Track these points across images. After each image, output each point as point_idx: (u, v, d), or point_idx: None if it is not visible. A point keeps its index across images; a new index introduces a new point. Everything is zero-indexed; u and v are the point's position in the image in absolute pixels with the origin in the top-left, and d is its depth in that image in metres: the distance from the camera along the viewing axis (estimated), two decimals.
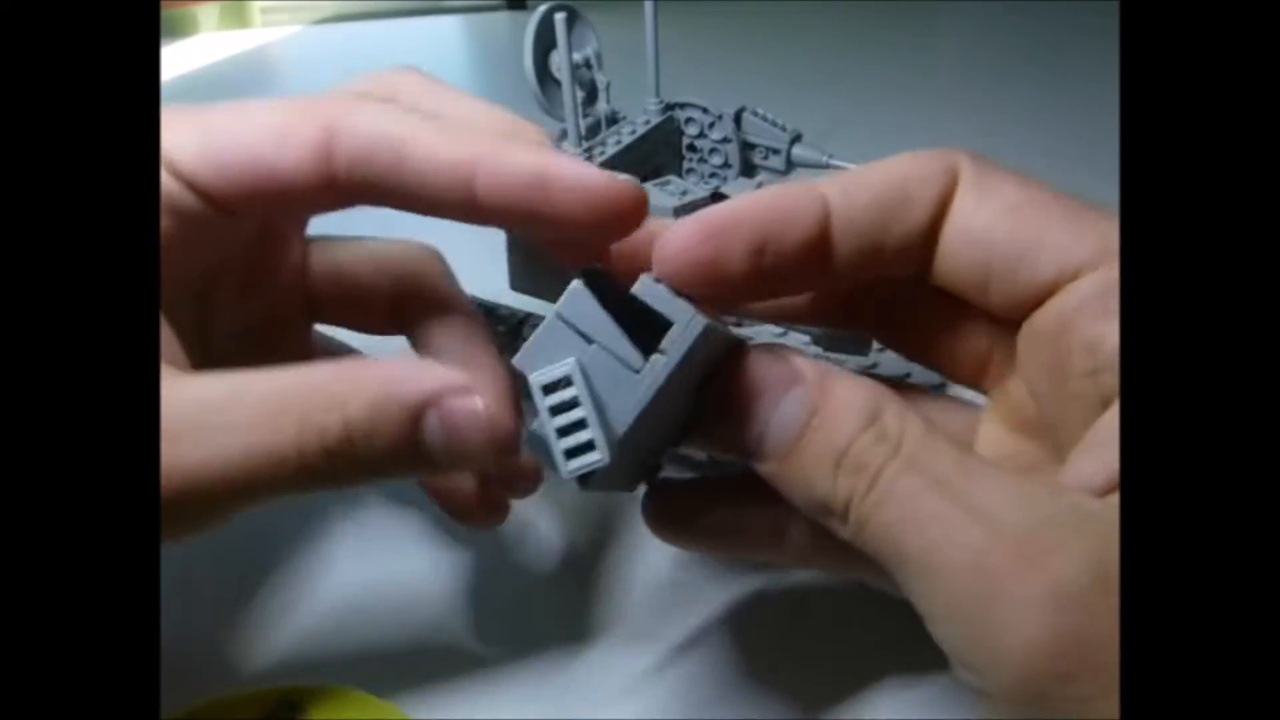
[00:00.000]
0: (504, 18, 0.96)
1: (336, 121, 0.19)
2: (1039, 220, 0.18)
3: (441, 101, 0.22)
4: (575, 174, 0.18)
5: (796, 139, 0.39)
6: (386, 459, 0.18)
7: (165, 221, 0.19)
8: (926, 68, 0.76)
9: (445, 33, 0.91)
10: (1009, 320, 0.19)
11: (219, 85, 0.77)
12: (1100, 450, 0.16)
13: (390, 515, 0.31)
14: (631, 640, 0.27)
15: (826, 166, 0.38)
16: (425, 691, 0.25)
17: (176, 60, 0.82)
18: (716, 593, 0.28)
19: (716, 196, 0.34)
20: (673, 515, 0.21)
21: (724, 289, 0.18)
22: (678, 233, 0.18)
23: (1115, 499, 0.15)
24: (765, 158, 0.39)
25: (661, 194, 0.32)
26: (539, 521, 0.30)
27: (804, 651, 0.26)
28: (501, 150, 0.19)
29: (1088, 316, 0.17)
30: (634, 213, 0.19)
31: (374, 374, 0.18)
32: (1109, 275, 0.17)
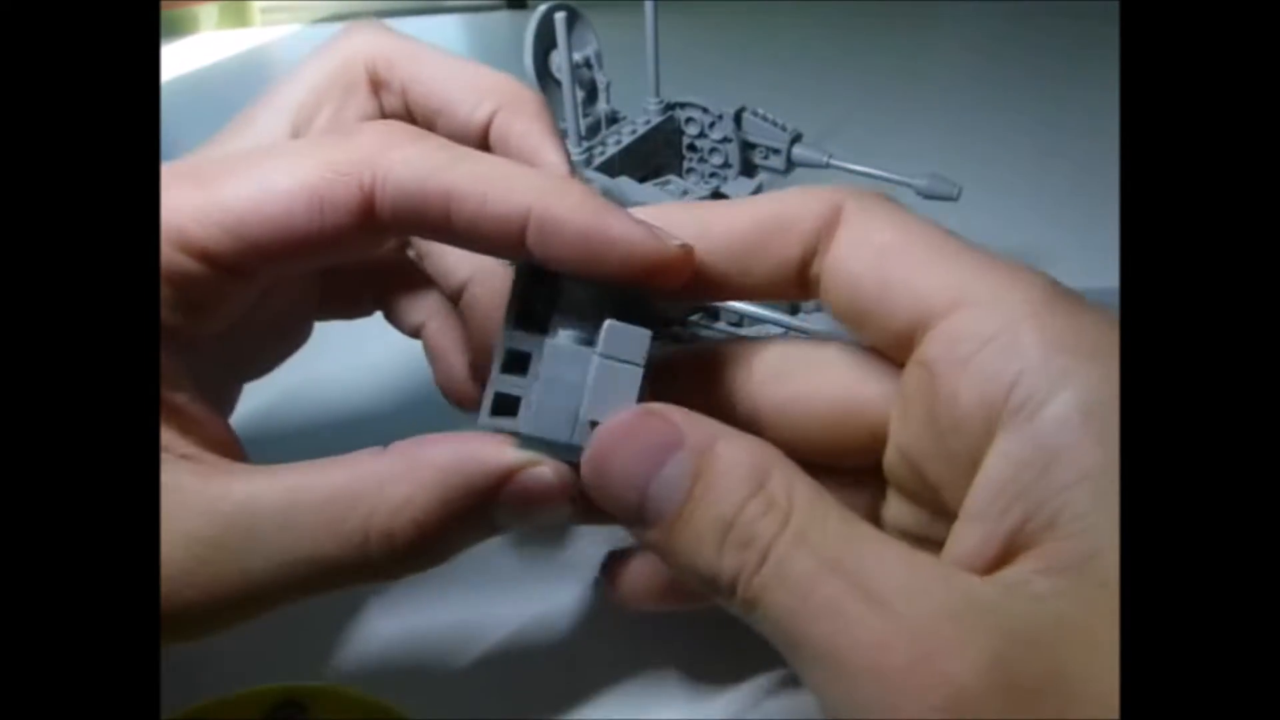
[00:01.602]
0: (504, 17, 0.96)
1: (375, 176, 0.18)
2: (902, 265, 0.18)
3: (442, 73, 0.24)
4: (623, 235, 0.18)
5: (796, 139, 0.39)
6: (458, 545, 0.19)
7: (178, 293, 0.18)
8: (926, 68, 0.76)
9: (445, 32, 0.91)
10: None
11: (219, 85, 0.77)
12: (979, 523, 0.16)
13: None
14: (635, 640, 0.27)
15: (827, 166, 0.38)
16: (427, 691, 0.25)
17: (176, 60, 0.82)
18: None
19: (717, 196, 0.34)
20: (632, 580, 0.22)
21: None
22: None
23: (1005, 578, 0.15)
24: (765, 157, 0.39)
25: (661, 194, 0.32)
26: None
27: None
28: (551, 203, 0.18)
29: (944, 367, 0.17)
30: (681, 271, 0.19)
31: (436, 462, 0.18)
32: (960, 321, 0.17)
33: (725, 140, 0.39)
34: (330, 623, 0.27)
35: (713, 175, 0.39)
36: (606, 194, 0.30)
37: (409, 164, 0.18)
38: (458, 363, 0.26)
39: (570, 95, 0.34)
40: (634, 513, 0.17)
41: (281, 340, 0.28)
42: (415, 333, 0.28)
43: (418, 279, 0.27)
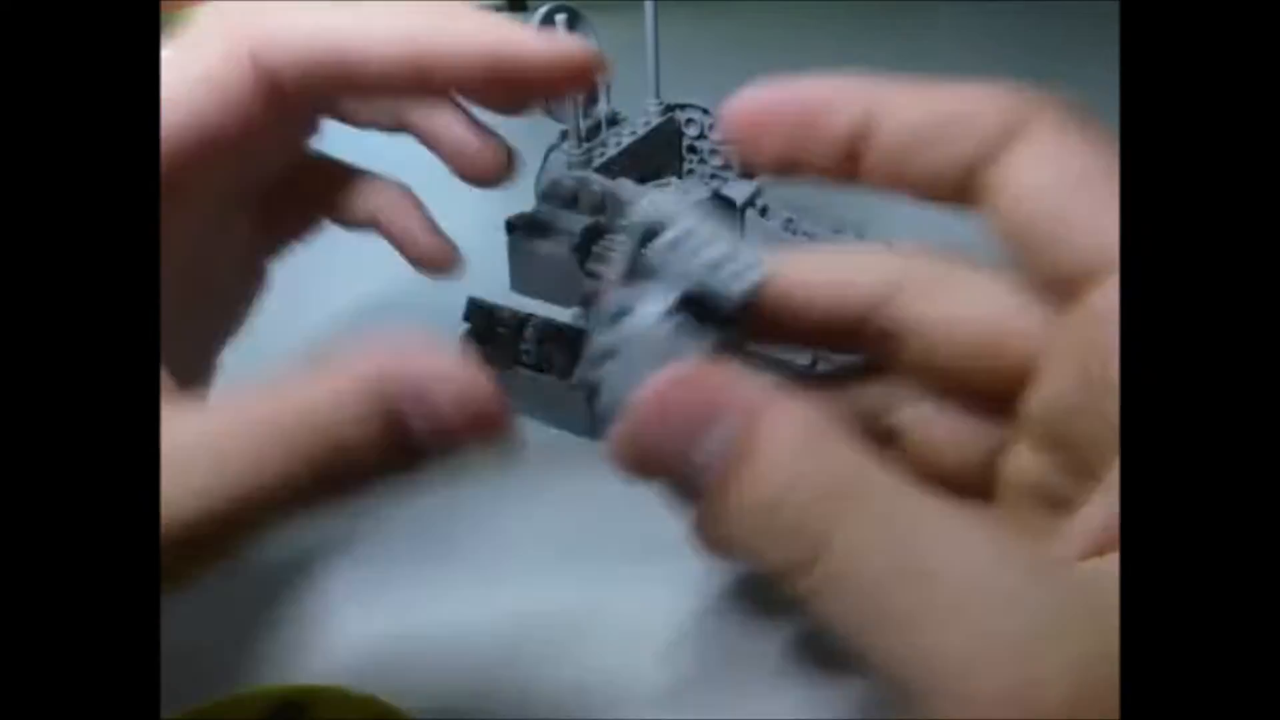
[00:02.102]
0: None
1: (259, 49, 0.19)
2: (1091, 198, 0.16)
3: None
4: (528, 51, 0.18)
5: None
6: (375, 468, 0.17)
7: (240, 116, 0.19)
8: (928, 68, 0.76)
9: None
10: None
11: None
12: (1111, 493, 0.14)
13: (393, 516, 0.31)
14: (633, 639, 0.27)
15: None
16: (428, 691, 0.25)
17: None
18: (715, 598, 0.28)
19: (717, 197, 0.34)
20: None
21: (764, 160, 0.18)
22: (742, 101, 0.18)
23: (1105, 566, 0.13)
24: None
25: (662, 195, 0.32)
26: (540, 521, 0.30)
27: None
28: (444, 34, 0.18)
29: (1115, 323, 0.15)
30: (592, 73, 0.19)
31: (354, 377, 0.17)
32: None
33: (725, 142, 0.39)
34: (329, 622, 0.27)
35: (713, 177, 0.40)
36: (606, 195, 0.30)
37: (288, 27, 0.18)
38: (422, 233, 0.26)
39: (571, 96, 0.34)
40: (674, 490, 0.15)
41: (241, 289, 0.27)
42: (370, 222, 0.27)
43: (352, 173, 0.27)
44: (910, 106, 0.18)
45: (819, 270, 0.20)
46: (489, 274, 0.31)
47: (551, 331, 0.32)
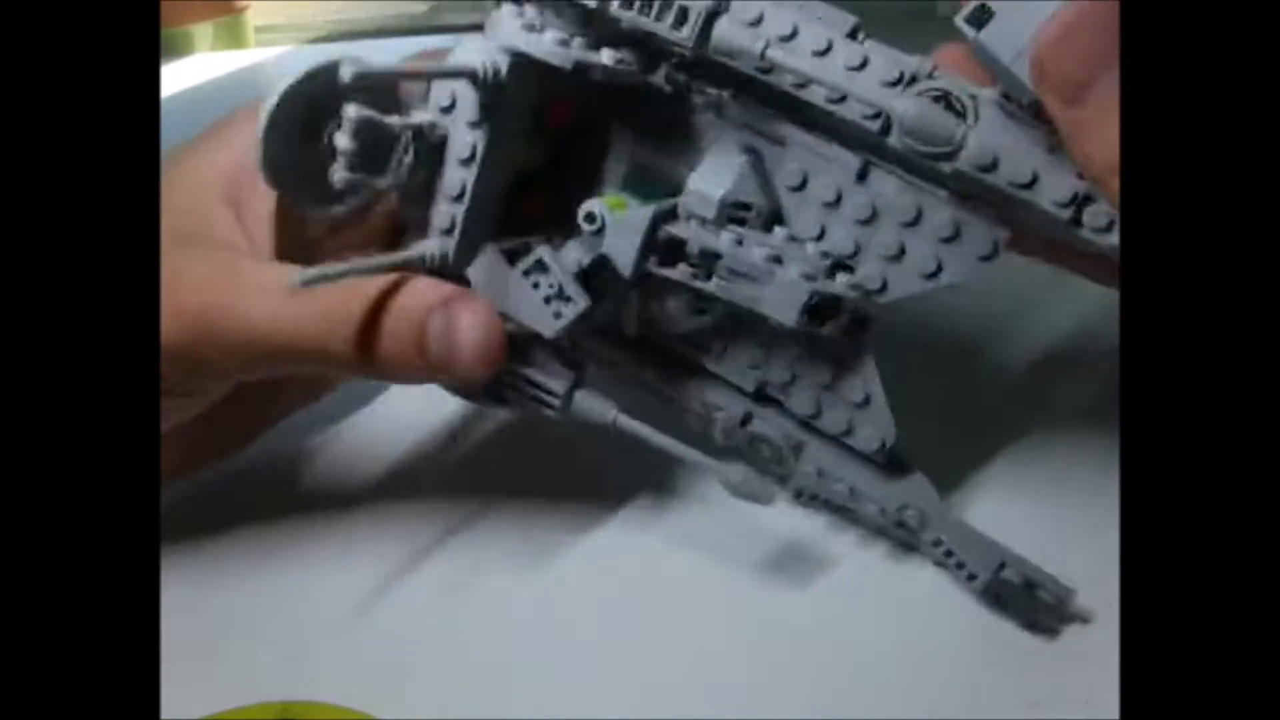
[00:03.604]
0: None
1: None
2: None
3: None
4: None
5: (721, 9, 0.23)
6: (398, 357, 0.23)
7: None
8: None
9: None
10: None
11: (214, 105, 0.77)
12: None
13: (388, 532, 0.31)
14: (627, 643, 0.26)
15: (768, 69, 0.24)
16: (421, 709, 0.25)
17: (171, 80, 0.82)
18: (712, 607, 0.28)
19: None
20: None
21: None
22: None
23: None
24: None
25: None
26: (532, 531, 0.30)
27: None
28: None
29: None
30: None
31: (400, 291, 0.23)
32: None
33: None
34: (326, 641, 0.27)
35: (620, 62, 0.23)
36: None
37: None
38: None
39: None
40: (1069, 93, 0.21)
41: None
42: None
43: None
44: None
45: None
46: None
47: None
